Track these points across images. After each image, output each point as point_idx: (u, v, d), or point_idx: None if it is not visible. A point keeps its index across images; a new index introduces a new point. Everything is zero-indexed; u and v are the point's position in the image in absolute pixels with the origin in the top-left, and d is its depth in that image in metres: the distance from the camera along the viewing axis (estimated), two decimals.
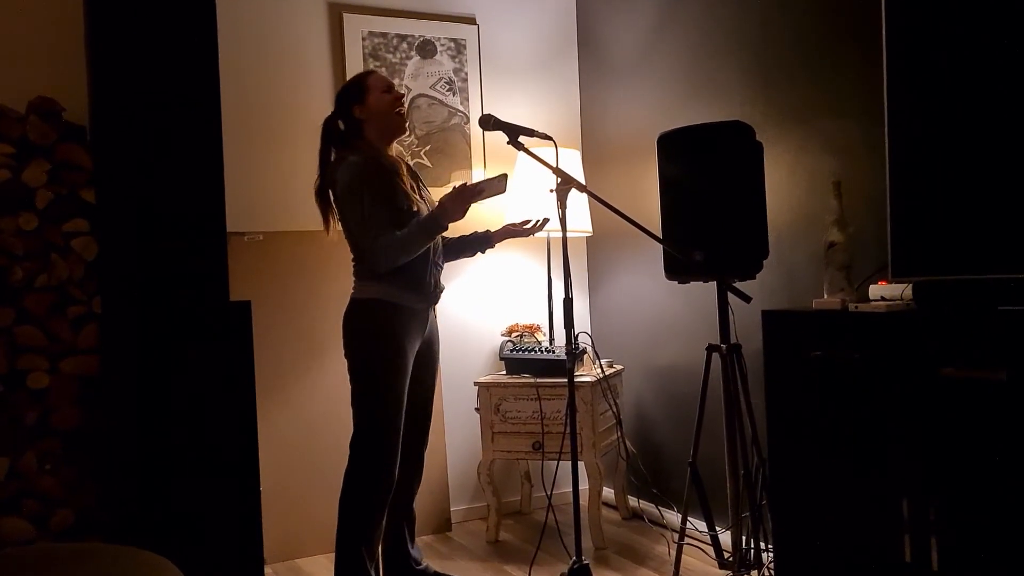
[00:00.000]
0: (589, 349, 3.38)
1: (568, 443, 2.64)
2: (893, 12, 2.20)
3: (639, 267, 3.73)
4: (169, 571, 1.66)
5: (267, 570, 3.17)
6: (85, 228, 2.11)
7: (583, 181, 3.69)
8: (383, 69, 3.64)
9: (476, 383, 3.52)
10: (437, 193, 3.11)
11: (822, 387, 2.29)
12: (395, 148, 2.83)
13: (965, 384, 1.94)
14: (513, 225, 2.98)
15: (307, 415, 3.41)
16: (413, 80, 3.73)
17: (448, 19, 3.81)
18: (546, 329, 3.71)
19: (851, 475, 2.24)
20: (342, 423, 3.06)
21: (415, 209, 2.67)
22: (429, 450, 2.96)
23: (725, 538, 2.80)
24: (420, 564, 2.95)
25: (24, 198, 2.07)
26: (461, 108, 3.83)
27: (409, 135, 3.67)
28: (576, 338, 2.73)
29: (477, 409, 3.52)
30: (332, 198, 2.72)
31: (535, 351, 3.47)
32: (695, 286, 3.20)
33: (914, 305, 2.21)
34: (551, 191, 2.66)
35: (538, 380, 3.39)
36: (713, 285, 2.68)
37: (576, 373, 3.17)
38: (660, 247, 2.72)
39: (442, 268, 2.84)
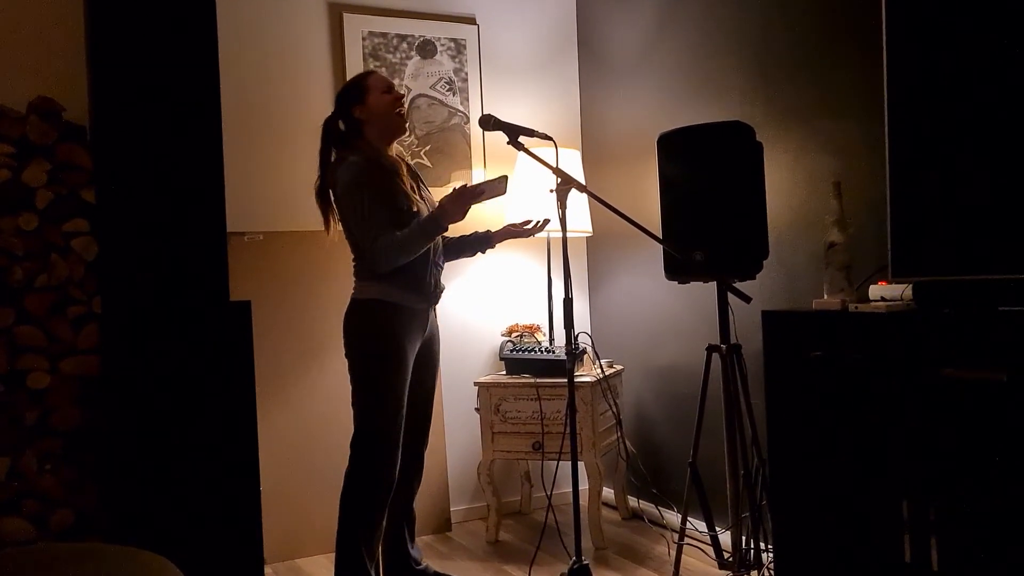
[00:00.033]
0: (589, 349, 3.38)
1: (568, 443, 2.64)
2: (893, 12, 2.20)
3: (639, 267, 3.73)
4: (169, 571, 1.66)
5: (267, 570, 3.17)
6: (85, 228, 2.12)
7: (583, 181, 3.69)
8: (383, 69, 3.64)
9: (476, 383, 3.52)
10: (437, 193, 3.11)
11: (822, 387, 2.29)
12: (395, 148, 2.83)
13: (965, 384, 1.94)
14: (514, 225, 2.98)
15: (307, 415, 3.41)
16: (413, 80, 3.73)
17: (448, 19, 3.81)
18: (546, 329, 3.71)
19: (851, 475, 2.23)
20: (342, 423, 3.06)
21: (415, 209, 2.67)
22: (429, 450, 2.96)
23: (725, 538, 2.80)
24: (420, 564, 2.95)
25: (24, 198, 2.08)
26: (461, 108, 3.83)
27: (409, 135, 3.67)
28: (576, 338, 2.73)
29: (477, 409, 3.52)
30: (333, 198, 2.72)
31: (535, 351, 3.47)
32: (695, 286, 3.20)
33: (914, 305, 2.21)
34: (551, 191, 2.66)
35: (538, 380, 3.39)
36: (713, 285, 2.68)
37: (576, 373, 3.17)
38: (660, 247, 2.72)
39: (442, 268, 2.84)
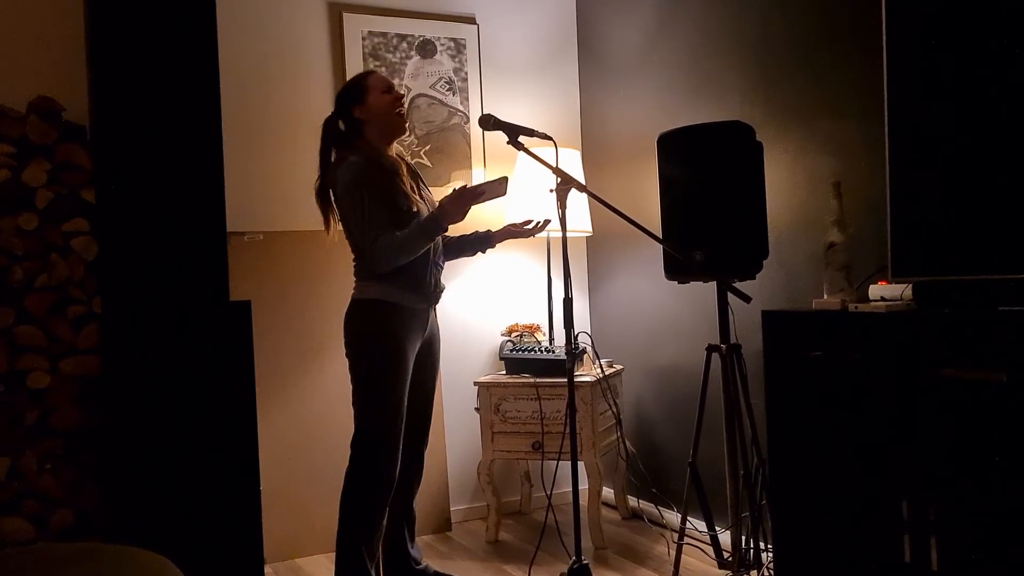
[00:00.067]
0: (589, 349, 3.38)
1: (568, 443, 2.64)
2: (893, 12, 2.20)
3: (639, 267, 3.73)
4: (169, 571, 1.66)
5: (267, 570, 3.17)
6: (85, 228, 2.11)
7: (583, 181, 3.69)
8: (383, 69, 3.63)
9: (476, 383, 3.52)
10: (437, 193, 3.11)
11: (822, 387, 2.29)
12: (395, 148, 2.83)
13: (965, 384, 1.94)
14: (514, 225, 2.98)
15: (307, 415, 3.40)
16: (413, 80, 3.73)
17: (448, 19, 3.81)
18: (546, 329, 3.71)
19: (851, 475, 2.24)
20: (342, 423, 3.06)
21: (415, 210, 2.67)
22: (429, 450, 2.96)
23: (725, 538, 2.80)
24: (420, 564, 2.95)
25: (24, 198, 2.07)
26: (461, 108, 3.83)
27: (409, 135, 3.67)
28: (576, 338, 2.73)
29: (477, 409, 3.52)
30: (333, 198, 2.72)
31: (535, 351, 3.47)
32: (695, 286, 3.20)
33: (914, 305, 2.21)
34: (551, 191, 2.66)
35: (538, 380, 3.39)
36: (713, 285, 2.68)
37: (576, 373, 3.17)
38: (660, 247, 2.72)
39: (442, 268, 2.84)
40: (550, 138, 2.61)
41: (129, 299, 2.05)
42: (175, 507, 2.06)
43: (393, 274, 2.64)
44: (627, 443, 3.65)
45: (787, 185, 2.97)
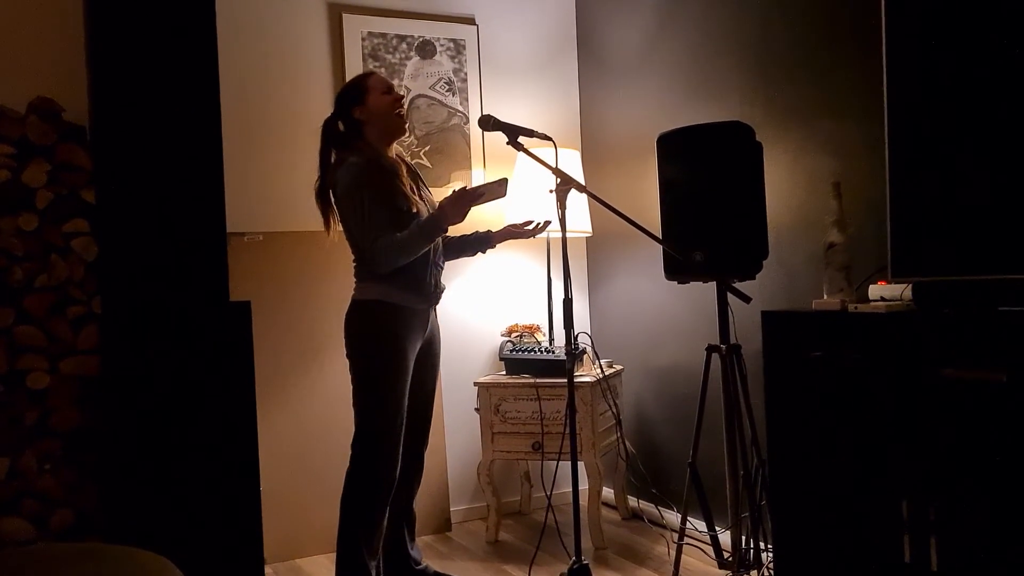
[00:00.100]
0: (589, 349, 3.38)
1: (568, 443, 2.64)
2: (893, 12, 2.20)
3: (639, 267, 3.73)
4: (169, 571, 1.66)
5: (267, 570, 3.17)
6: (85, 228, 2.11)
7: (583, 181, 3.69)
8: (382, 69, 3.64)
9: (476, 383, 3.52)
10: (437, 193, 3.11)
11: (822, 388, 2.29)
12: (395, 148, 2.83)
13: (965, 384, 1.94)
14: (514, 226, 2.98)
15: (307, 415, 3.40)
16: (412, 80, 3.73)
17: (447, 19, 3.81)
18: (546, 329, 3.71)
19: (851, 475, 2.24)
20: (342, 423, 3.06)
21: (414, 211, 2.67)
22: (429, 450, 2.96)
23: (725, 538, 2.80)
24: (420, 564, 2.95)
25: (24, 198, 2.07)
26: (461, 108, 3.83)
27: (409, 135, 3.67)
28: (576, 338, 2.73)
29: (477, 409, 3.52)
30: (333, 199, 2.72)
31: (535, 351, 3.47)
32: (695, 286, 3.20)
33: (914, 305, 2.21)
34: (551, 192, 2.66)
35: (538, 380, 3.39)
36: (713, 285, 2.68)
37: (576, 373, 3.17)
38: (660, 247, 2.72)
39: (443, 268, 2.84)
40: (550, 138, 2.61)
41: (129, 299, 2.05)
42: (175, 507, 2.06)
43: (393, 275, 2.64)
44: (627, 443, 3.65)
45: (787, 185, 2.97)
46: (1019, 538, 1.86)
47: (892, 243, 2.20)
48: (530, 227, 2.95)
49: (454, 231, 2.78)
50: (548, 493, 3.18)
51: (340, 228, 2.74)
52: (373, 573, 2.66)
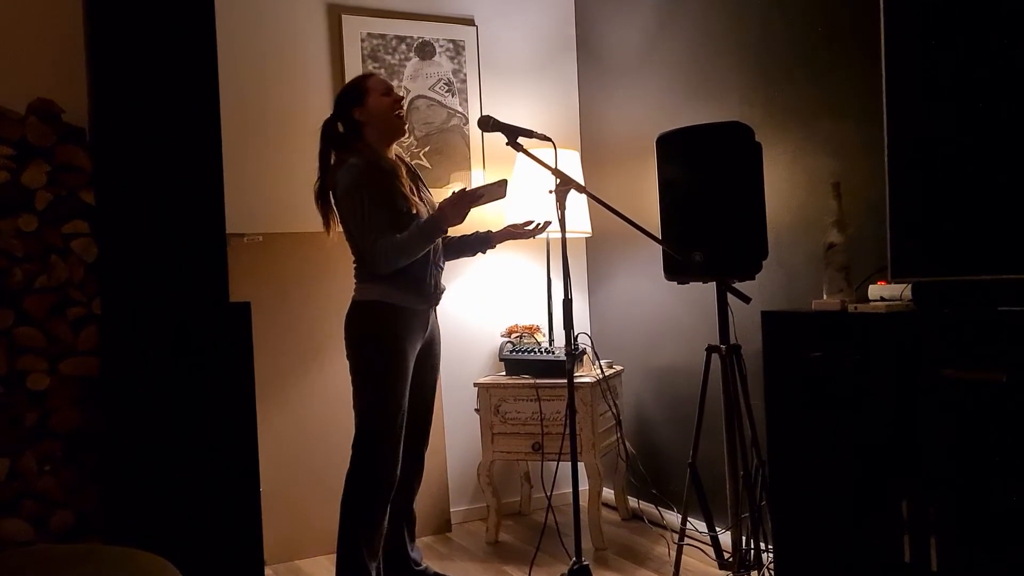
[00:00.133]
0: (589, 350, 3.38)
1: (568, 444, 2.64)
2: (892, 12, 2.20)
3: (638, 268, 3.73)
4: (169, 572, 1.66)
5: (267, 571, 3.17)
6: (85, 230, 2.11)
7: (582, 182, 3.69)
8: (382, 71, 3.64)
9: (476, 384, 3.52)
10: (437, 194, 3.11)
11: (822, 388, 2.29)
12: (394, 149, 2.84)
13: (965, 384, 1.94)
14: (515, 226, 2.99)
15: (307, 416, 3.40)
16: (412, 81, 3.73)
17: (447, 20, 3.81)
18: (546, 330, 3.71)
19: (851, 475, 2.23)
20: (342, 424, 3.06)
21: (414, 212, 2.67)
22: (429, 451, 2.96)
23: (725, 539, 2.80)
24: (420, 565, 2.95)
25: (24, 200, 2.07)
26: (460, 109, 3.83)
27: (408, 136, 3.67)
28: (575, 339, 2.73)
29: (477, 410, 3.52)
30: (333, 200, 2.73)
31: (535, 352, 3.47)
32: (695, 287, 3.20)
33: (913, 306, 2.21)
34: (550, 192, 2.66)
35: (538, 381, 3.39)
36: (712, 286, 2.68)
37: (576, 374, 3.17)
38: (659, 248, 2.72)
39: (443, 269, 2.84)
40: (549, 139, 2.61)
41: (129, 300, 2.05)
42: (175, 508, 2.06)
43: (393, 276, 2.65)
44: (627, 444, 3.65)
45: (786, 186, 2.97)
46: (1019, 538, 1.86)
47: (892, 243, 2.20)
48: (530, 227, 2.95)
49: (454, 231, 2.78)
50: (548, 494, 3.18)
51: (340, 229, 2.74)
52: (373, 574, 2.66)
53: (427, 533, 3.59)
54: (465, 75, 3.83)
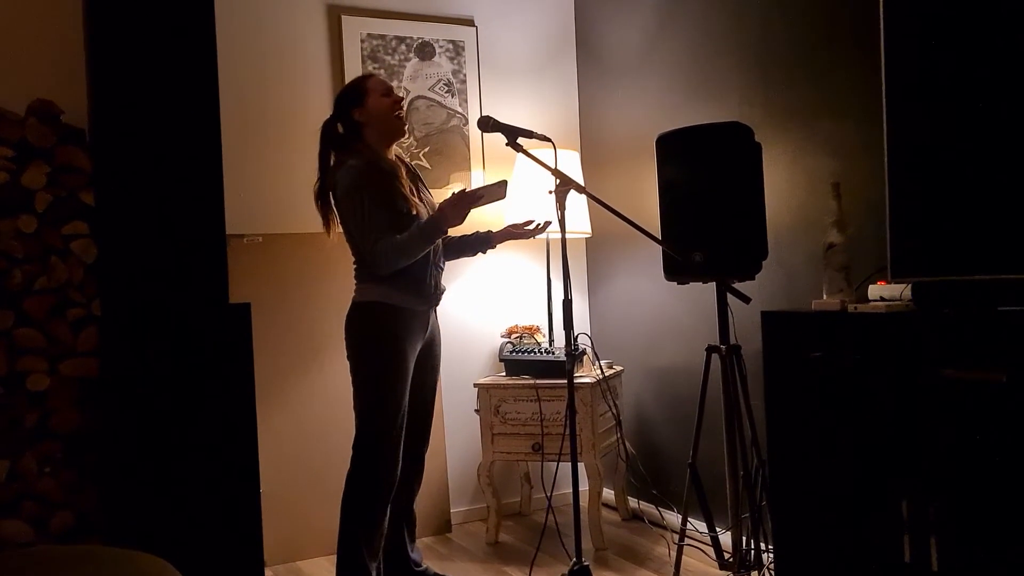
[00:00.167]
0: (588, 350, 3.38)
1: (568, 444, 2.64)
2: (892, 13, 2.20)
3: (638, 268, 3.73)
4: (168, 573, 1.66)
5: (267, 572, 3.17)
6: (84, 231, 2.12)
7: (582, 182, 3.69)
8: (382, 71, 3.64)
9: (476, 384, 3.52)
10: (437, 195, 3.11)
11: (822, 388, 2.29)
12: (394, 150, 2.84)
13: (965, 384, 1.94)
14: (515, 226, 2.98)
15: (307, 417, 3.40)
16: (412, 82, 3.73)
17: (447, 21, 3.81)
18: (545, 330, 3.71)
19: (851, 475, 2.23)
20: (342, 425, 3.06)
21: (414, 212, 2.67)
22: (429, 452, 2.96)
23: (725, 539, 2.80)
24: (420, 566, 2.95)
25: (23, 201, 2.07)
26: (460, 110, 3.83)
27: (408, 137, 3.67)
28: (575, 339, 2.73)
29: (477, 410, 3.52)
30: (333, 201, 2.73)
31: (535, 352, 3.47)
32: (694, 287, 3.20)
33: (913, 306, 2.21)
34: (550, 192, 2.66)
35: (538, 381, 3.39)
36: (712, 286, 2.68)
37: (576, 374, 3.17)
38: (659, 248, 2.72)
39: (443, 270, 2.84)
40: (549, 139, 2.61)
41: (128, 301, 2.05)
42: (175, 509, 2.06)
43: (393, 276, 2.65)
44: (627, 444, 3.65)
45: (786, 186, 2.97)
46: (1019, 538, 1.86)
47: (892, 243, 2.20)
48: (531, 227, 2.95)
49: (454, 232, 2.78)
50: (548, 494, 3.18)
51: (340, 230, 2.74)
52: (373, 574, 2.66)
53: (427, 534, 3.59)
54: (465, 76, 3.84)
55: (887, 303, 2.24)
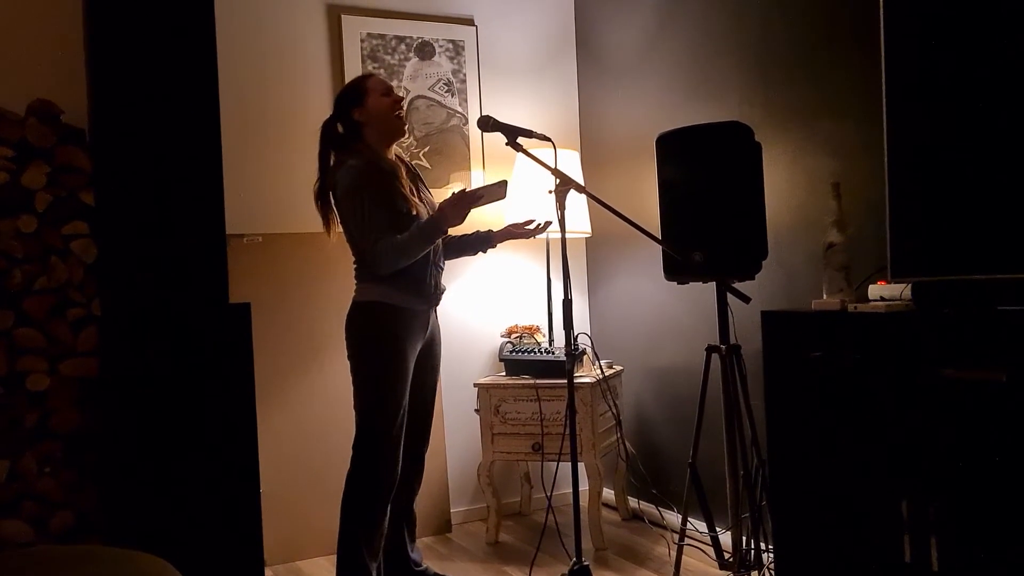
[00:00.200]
0: (588, 350, 3.38)
1: (568, 444, 2.64)
2: (892, 13, 2.20)
3: (638, 268, 3.73)
4: (168, 573, 1.66)
5: (267, 572, 3.17)
6: (84, 230, 2.12)
7: (582, 182, 3.69)
8: (381, 71, 3.64)
9: (476, 384, 3.52)
10: (437, 195, 3.11)
11: (822, 388, 2.29)
12: (394, 149, 2.84)
13: (965, 384, 1.94)
14: (515, 226, 2.98)
15: (307, 417, 3.40)
16: (412, 82, 3.73)
17: (446, 20, 3.81)
18: (545, 330, 3.71)
19: (851, 475, 2.23)
20: (341, 425, 3.06)
21: (414, 212, 2.67)
22: (429, 451, 2.96)
23: (725, 539, 2.80)
24: (420, 566, 2.95)
25: (23, 201, 2.07)
26: (460, 109, 3.83)
27: (408, 137, 3.67)
28: (575, 339, 2.73)
29: (477, 410, 3.52)
30: (333, 201, 2.73)
31: (534, 352, 3.47)
32: (694, 287, 3.20)
33: (913, 305, 2.21)
34: (550, 192, 2.66)
35: (538, 381, 3.39)
36: (712, 286, 2.68)
37: (576, 374, 3.17)
38: (659, 248, 2.72)
39: (443, 269, 2.84)
40: (549, 139, 2.61)
41: (128, 301, 2.05)
42: (175, 509, 2.06)
43: (394, 276, 2.65)
44: (627, 444, 3.65)
45: (786, 185, 2.97)
46: (1019, 538, 1.86)
47: (892, 243, 2.20)
48: (531, 226, 2.95)
49: (454, 231, 2.78)
50: (548, 494, 3.18)
51: (340, 230, 2.74)
52: (374, 574, 2.66)
53: (427, 533, 3.59)
54: (465, 75, 3.83)
55: (887, 303, 2.24)
